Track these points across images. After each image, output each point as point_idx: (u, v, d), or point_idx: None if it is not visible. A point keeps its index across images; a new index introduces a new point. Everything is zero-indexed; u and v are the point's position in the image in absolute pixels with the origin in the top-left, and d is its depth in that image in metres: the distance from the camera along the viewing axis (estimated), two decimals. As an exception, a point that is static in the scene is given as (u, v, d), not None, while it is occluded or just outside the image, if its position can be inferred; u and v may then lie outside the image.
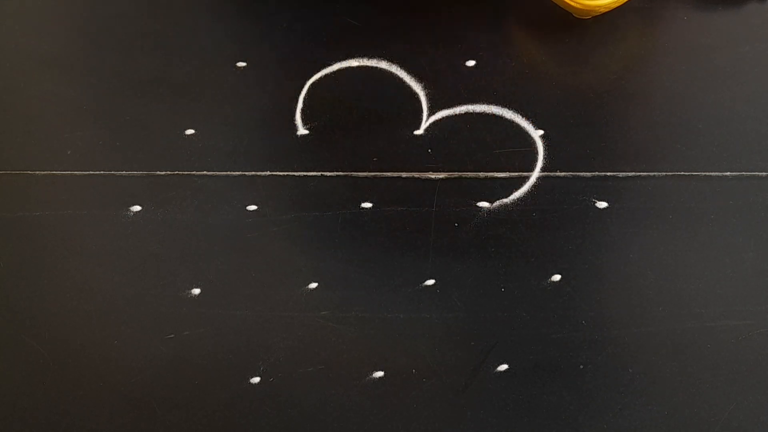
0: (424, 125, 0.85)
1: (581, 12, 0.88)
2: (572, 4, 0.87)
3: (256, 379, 0.72)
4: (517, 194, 0.80)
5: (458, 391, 0.71)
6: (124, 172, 0.84)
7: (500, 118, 0.85)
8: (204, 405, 0.71)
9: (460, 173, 0.82)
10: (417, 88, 0.87)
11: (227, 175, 0.83)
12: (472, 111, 0.85)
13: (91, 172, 0.84)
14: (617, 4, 0.87)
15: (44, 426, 0.71)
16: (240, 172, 0.83)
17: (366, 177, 0.82)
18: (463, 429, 0.69)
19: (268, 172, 0.83)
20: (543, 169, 0.82)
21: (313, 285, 0.77)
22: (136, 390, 0.72)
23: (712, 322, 0.73)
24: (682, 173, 0.81)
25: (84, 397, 0.72)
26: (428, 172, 0.82)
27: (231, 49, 0.91)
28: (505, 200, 0.80)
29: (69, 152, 0.85)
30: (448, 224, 0.79)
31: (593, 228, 0.78)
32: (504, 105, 0.85)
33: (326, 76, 0.89)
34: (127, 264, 0.78)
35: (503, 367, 0.72)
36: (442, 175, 0.82)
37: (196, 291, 0.77)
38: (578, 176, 0.81)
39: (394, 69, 0.88)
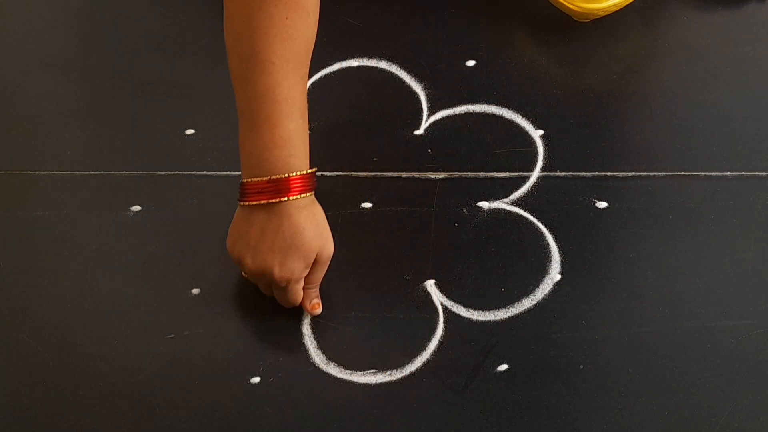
0: (424, 125, 0.85)
1: (581, 15, 0.88)
2: (571, 7, 0.87)
3: (256, 379, 0.72)
4: (517, 194, 0.80)
5: (458, 391, 0.71)
6: (124, 172, 0.84)
7: (500, 118, 0.85)
8: (204, 405, 0.71)
9: (460, 173, 0.82)
10: (417, 88, 0.87)
11: (227, 175, 0.83)
12: (472, 111, 0.85)
13: (91, 172, 0.84)
14: (616, 8, 0.87)
15: (44, 426, 0.71)
16: (240, 172, 0.83)
17: (366, 177, 0.82)
18: (463, 429, 0.69)
19: (268, 172, 0.83)
20: (543, 169, 0.82)
21: (313, 285, 0.77)
22: (136, 390, 0.72)
23: (712, 322, 0.73)
24: (682, 173, 0.81)
25: (84, 397, 0.72)
26: (428, 172, 0.82)
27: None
28: (505, 200, 0.80)
29: (69, 152, 0.85)
30: (448, 224, 0.79)
31: (593, 228, 0.78)
32: (504, 105, 0.85)
33: (326, 76, 0.89)
34: (127, 264, 0.78)
35: (503, 367, 0.72)
36: (442, 175, 0.82)
37: (196, 291, 0.77)
38: (578, 176, 0.81)
39: (394, 69, 0.88)
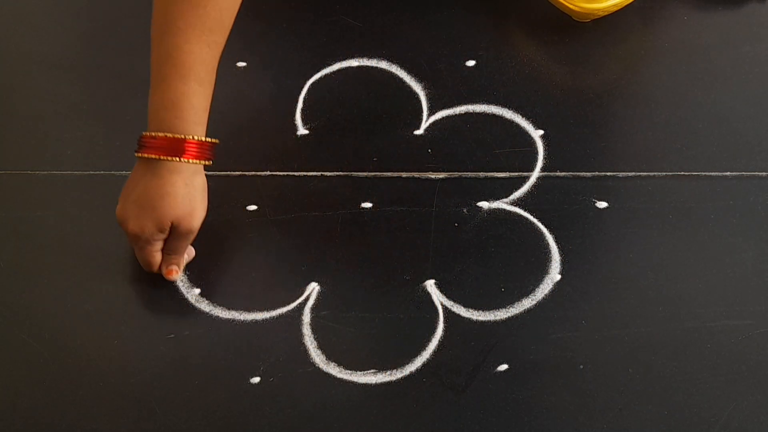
0: (424, 125, 0.85)
1: (581, 15, 0.88)
2: (571, 7, 0.87)
3: (256, 379, 0.72)
4: (517, 194, 0.80)
5: (458, 391, 0.71)
6: (124, 172, 0.84)
7: (500, 118, 0.85)
8: (204, 405, 0.71)
9: (460, 173, 0.82)
10: (417, 88, 0.87)
11: (227, 175, 0.83)
12: (472, 111, 0.85)
13: (91, 172, 0.84)
14: (616, 8, 0.87)
15: (44, 426, 0.71)
16: (240, 172, 0.83)
17: (366, 177, 0.82)
18: (463, 429, 0.69)
19: (268, 172, 0.83)
20: (543, 169, 0.82)
21: (313, 285, 0.77)
22: (136, 390, 0.72)
23: (712, 322, 0.73)
24: (682, 173, 0.81)
25: (84, 397, 0.72)
26: (428, 172, 0.82)
27: (231, 49, 0.91)
28: (505, 200, 0.80)
29: (69, 152, 0.85)
30: (448, 224, 0.79)
31: (593, 228, 0.78)
32: (504, 105, 0.86)
33: (326, 76, 0.89)
34: (128, 264, 0.78)
35: (503, 367, 0.72)
36: (442, 175, 0.82)
37: (196, 291, 0.77)
38: (578, 176, 0.81)
39: (394, 69, 0.88)
